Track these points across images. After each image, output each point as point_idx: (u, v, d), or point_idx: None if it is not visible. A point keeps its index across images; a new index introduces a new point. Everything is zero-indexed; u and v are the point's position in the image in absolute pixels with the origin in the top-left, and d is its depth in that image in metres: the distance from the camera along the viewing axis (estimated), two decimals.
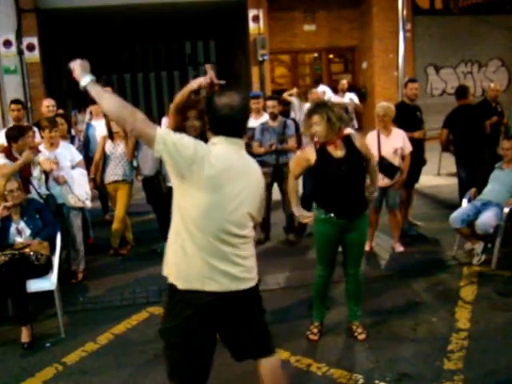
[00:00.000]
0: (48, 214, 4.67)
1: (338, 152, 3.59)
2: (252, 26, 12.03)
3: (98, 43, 15.45)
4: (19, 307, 4.12)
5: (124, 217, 5.93)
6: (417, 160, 5.77)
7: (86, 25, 13.10)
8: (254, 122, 6.51)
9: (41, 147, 5.29)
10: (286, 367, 3.58)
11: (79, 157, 5.51)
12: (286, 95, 10.01)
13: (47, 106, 6.61)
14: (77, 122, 8.38)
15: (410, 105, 6.12)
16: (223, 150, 2.38)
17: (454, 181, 6.75)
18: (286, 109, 10.97)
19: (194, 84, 2.97)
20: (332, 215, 3.64)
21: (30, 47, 10.88)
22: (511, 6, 13.37)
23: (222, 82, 2.87)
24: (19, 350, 4.00)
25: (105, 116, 6.79)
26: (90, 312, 4.66)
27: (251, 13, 11.95)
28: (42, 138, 5.46)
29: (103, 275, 5.39)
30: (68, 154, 5.33)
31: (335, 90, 10.51)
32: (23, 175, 4.89)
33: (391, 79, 11.53)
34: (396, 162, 5.34)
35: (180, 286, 2.39)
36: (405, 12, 8.80)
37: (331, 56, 14.17)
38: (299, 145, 6.40)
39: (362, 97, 12.63)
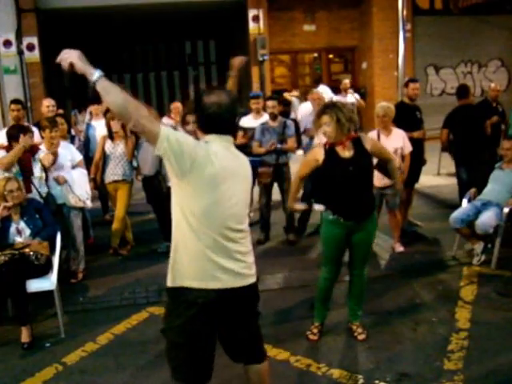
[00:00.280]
0: (48, 214, 4.66)
1: (345, 153, 3.58)
2: (252, 25, 12.03)
3: (98, 43, 15.43)
4: (19, 307, 4.12)
5: (124, 217, 5.93)
6: (417, 160, 5.78)
7: (86, 25, 13.09)
8: (254, 122, 6.52)
9: (41, 147, 5.29)
10: (285, 367, 3.60)
11: (79, 157, 5.51)
12: (287, 94, 10.02)
13: (47, 105, 6.61)
14: (77, 122, 8.37)
15: (409, 105, 6.12)
16: (219, 148, 2.40)
17: (454, 181, 6.75)
18: (286, 109, 10.97)
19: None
20: (339, 217, 3.63)
21: (30, 47, 10.88)
22: (511, 6, 13.38)
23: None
24: (19, 350, 4.00)
25: (105, 116, 6.80)
26: (89, 312, 4.66)
27: (251, 13, 11.96)
28: (42, 138, 5.45)
29: (103, 275, 5.38)
30: (68, 153, 5.33)
31: (335, 90, 10.51)
32: (25, 173, 4.90)
33: (391, 79, 11.55)
34: (396, 162, 5.34)
35: (184, 284, 2.40)
36: (405, 12, 8.81)
37: (331, 56, 14.18)
38: (299, 145, 6.40)
39: (362, 97, 12.62)
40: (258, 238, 6.12)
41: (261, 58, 12.03)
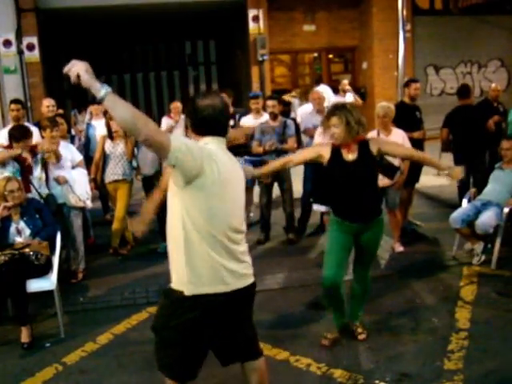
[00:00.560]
0: (48, 214, 4.66)
1: (349, 155, 3.55)
2: (252, 25, 12.03)
3: (98, 43, 15.43)
4: (19, 307, 4.12)
5: (124, 216, 5.92)
6: None
7: (86, 25, 13.09)
8: (253, 122, 6.51)
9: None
10: (285, 367, 3.60)
11: (79, 157, 5.51)
12: (286, 96, 10.03)
13: (47, 105, 6.61)
14: (76, 122, 8.38)
15: (409, 105, 6.13)
16: (218, 150, 2.44)
17: (454, 181, 6.74)
18: (286, 109, 10.97)
19: None
20: (344, 219, 3.60)
21: (30, 47, 10.87)
22: (511, 6, 13.38)
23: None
24: (19, 350, 4.00)
25: (104, 116, 6.80)
26: (89, 312, 4.66)
27: (251, 13, 11.95)
28: (43, 137, 5.45)
29: (103, 275, 5.38)
30: (68, 153, 5.33)
31: (335, 90, 10.51)
32: (24, 173, 4.90)
33: (391, 79, 11.52)
34: (396, 161, 5.33)
35: (193, 291, 2.39)
36: (405, 12, 8.81)
37: (331, 56, 14.17)
38: (299, 145, 6.40)
39: (362, 97, 12.62)
40: (258, 238, 6.12)
41: (261, 58, 12.03)
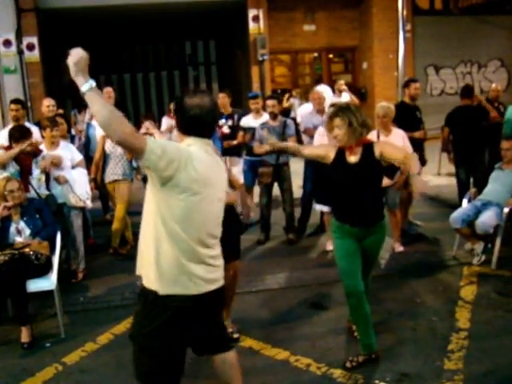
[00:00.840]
0: (48, 214, 4.66)
1: (351, 158, 3.48)
2: (252, 25, 12.03)
3: (98, 43, 15.42)
4: (19, 307, 4.12)
5: (124, 216, 5.93)
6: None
7: (86, 24, 13.09)
8: (254, 122, 6.52)
9: (41, 147, 5.29)
10: (285, 367, 3.60)
11: (79, 156, 5.51)
12: (284, 103, 10.12)
13: (47, 105, 6.61)
14: (76, 122, 8.37)
15: (409, 105, 6.13)
16: (200, 152, 2.40)
17: (454, 181, 6.75)
18: (286, 109, 10.98)
19: None
20: (345, 223, 3.53)
21: (30, 47, 10.87)
22: (511, 6, 13.38)
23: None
24: (19, 350, 4.00)
25: None
26: (90, 312, 4.66)
27: (251, 13, 11.96)
28: (43, 137, 5.46)
29: (103, 275, 5.39)
30: (68, 153, 5.33)
31: (333, 90, 10.50)
32: (23, 173, 4.90)
33: (391, 79, 11.53)
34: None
35: (160, 291, 2.40)
36: (405, 12, 8.82)
37: (331, 56, 14.17)
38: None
39: (363, 97, 12.63)
40: (258, 238, 6.13)
41: (261, 58, 12.03)
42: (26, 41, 10.83)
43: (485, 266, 5.12)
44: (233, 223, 3.59)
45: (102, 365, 3.76)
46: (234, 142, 6.77)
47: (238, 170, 6.99)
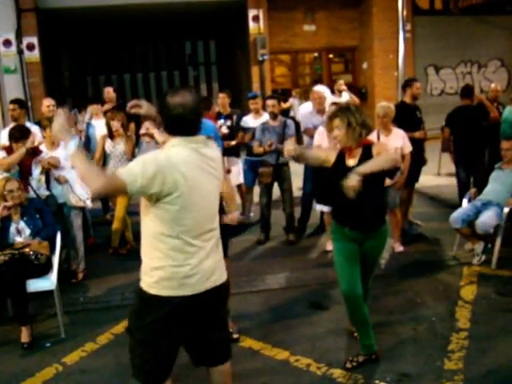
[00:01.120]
0: (48, 214, 4.66)
1: (350, 161, 3.42)
2: (252, 25, 12.04)
3: (98, 43, 15.45)
4: (19, 307, 4.12)
5: (124, 216, 5.92)
6: (417, 159, 5.77)
7: (86, 24, 13.10)
8: (253, 122, 6.52)
9: (42, 147, 5.29)
10: (285, 367, 3.60)
11: None
12: (283, 105, 10.14)
13: (47, 105, 6.61)
14: (76, 122, 8.37)
15: (410, 105, 6.12)
16: (182, 152, 2.37)
17: (454, 181, 6.74)
18: (285, 109, 10.97)
19: None
20: (344, 227, 3.49)
21: (30, 47, 10.88)
22: (511, 6, 13.37)
23: None
24: (19, 350, 4.00)
25: (104, 115, 6.80)
26: (90, 312, 4.66)
27: (251, 13, 11.96)
28: (44, 137, 5.46)
29: (103, 275, 5.38)
30: (68, 153, 5.32)
31: (333, 91, 10.50)
32: (23, 174, 4.89)
33: (391, 79, 11.54)
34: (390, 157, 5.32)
35: (156, 293, 2.43)
36: (405, 12, 8.81)
37: (331, 56, 14.17)
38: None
39: (363, 97, 12.63)
40: (258, 238, 6.13)
41: (261, 58, 12.04)
42: (26, 41, 10.83)
43: (485, 265, 5.11)
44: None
45: (102, 365, 3.76)
46: (233, 143, 6.77)
47: (237, 170, 6.99)
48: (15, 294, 4.09)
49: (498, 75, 13.83)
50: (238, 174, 7.01)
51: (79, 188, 5.19)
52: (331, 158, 3.52)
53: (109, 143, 5.93)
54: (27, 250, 4.30)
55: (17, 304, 4.13)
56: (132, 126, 6.36)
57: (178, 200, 2.32)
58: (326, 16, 13.23)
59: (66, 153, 5.21)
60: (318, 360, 3.64)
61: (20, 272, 4.12)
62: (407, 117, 5.87)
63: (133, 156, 5.90)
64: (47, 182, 5.15)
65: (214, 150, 2.54)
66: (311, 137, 5.91)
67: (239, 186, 7.10)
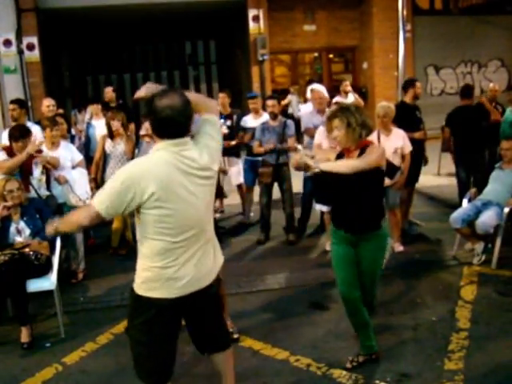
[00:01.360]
0: (48, 214, 4.65)
1: None
2: (252, 25, 12.04)
3: (98, 43, 15.44)
4: (19, 307, 4.12)
5: (124, 217, 5.92)
6: (417, 159, 5.77)
7: (86, 24, 13.10)
8: (253, 122, 6.53)
9: (42, 147, 5.29)
10: (285, 367, 3.59)
11: (80, 156, 5.51)
12: (282, 102, 10.16)
13: (47, 105, 6.62)
14: (77, 122, 8.38)
15: (410, 105, 6.12)
16: (164, 156, 2.37)
17: (454, 181, 6.74)
18: (284, 107, 10.98)
19: None
20: (340, 229, 3.46)
21: (30, 47, 10.88)
22: (511, 6, 13.37)
23: None
24: (19, 350, 4.00)
25: (104, 115, 6.80)
26: (90, 312, 4.66)
27: (251, 13, 11.96)
28: (44, 137, 5.46)
29: (103, 275, 5.38)
30: (68, 153, 5.34)
31: (337, 91, 10.48)
32: (23, 174, 4.89)
33: (391, 79, 11.53)
34: (396, 161, 5.33)
35: (141, 293, 2.51)
36: (405, 12, 8.80)
37: (331, 56, 14.18)
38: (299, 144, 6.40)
39: (363, 97, 12.62)
40: (258, 238, 6.13)
41: (261, 58, 12.04)
42: (26, 41, 10.83)
43: (485, 265, 5.11)
44: None
45: (102, 365, 3.76)
46: (233, 142, 6.78)
47: (237, 170, 7.00)
48: (15, 294, 4.09)
49: (498, 75, 13.84)
50: (238, 173, 7.01)
51: (79, 188, 5.20)
52: (331, 158, 3.52)
53: (109, 143, 5.93)
54: (27, 250, 4.30)
55: (17, 304, 4.13)
56: (132, 126, 6.37)
57: (156, 203, 2.33)
58: (326, 16, 13.23)
59: (66, 153, 5.28)
60: (317, 360, 3.64)
61: (20, 272, 4.12)
62: (407, 117, 5.87)
63: (133, 156, 5.90)
64: (47, 182, 5.15)
65: (195, 150, 2.45)
66: (312, 137, 5.91)
67: (239, 186, 7.11)
